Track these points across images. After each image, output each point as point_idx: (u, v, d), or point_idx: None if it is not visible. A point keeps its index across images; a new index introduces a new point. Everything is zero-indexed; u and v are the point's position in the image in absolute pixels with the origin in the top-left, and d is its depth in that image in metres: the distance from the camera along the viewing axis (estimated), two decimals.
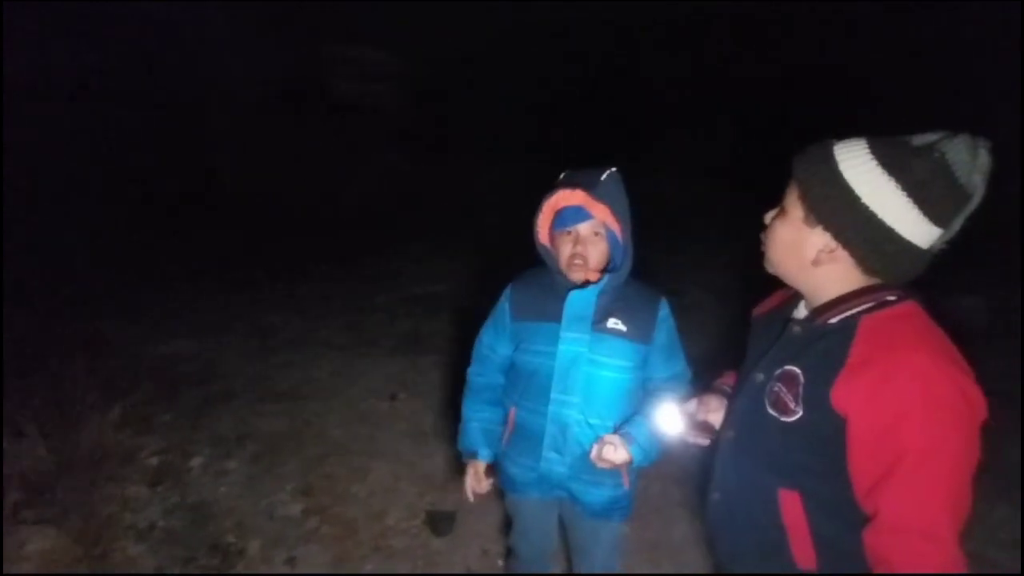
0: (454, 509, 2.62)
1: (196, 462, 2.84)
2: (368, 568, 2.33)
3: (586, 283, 1.50)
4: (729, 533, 1.22)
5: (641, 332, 1.51)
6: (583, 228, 1.47)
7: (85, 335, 3.90)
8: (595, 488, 1.57)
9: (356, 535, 2.48)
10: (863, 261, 1.01)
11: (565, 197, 1.48)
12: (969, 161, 0.93)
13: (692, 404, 1.32)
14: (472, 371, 1.70)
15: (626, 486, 1.60)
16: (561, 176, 1.52)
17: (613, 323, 1.49)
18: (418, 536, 2.50)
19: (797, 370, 1.04)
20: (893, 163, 0.94)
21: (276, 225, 7.02)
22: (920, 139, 0.97)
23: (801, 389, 1.02)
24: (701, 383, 1.51)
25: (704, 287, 5.09)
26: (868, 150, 0.97)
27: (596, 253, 1.48)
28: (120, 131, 7.46)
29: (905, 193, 0.94)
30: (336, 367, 3.89)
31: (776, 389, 1.07)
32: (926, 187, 0.94)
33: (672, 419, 1.27)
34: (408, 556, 2.40)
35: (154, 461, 2.83)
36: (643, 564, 2.37)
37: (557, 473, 1.55)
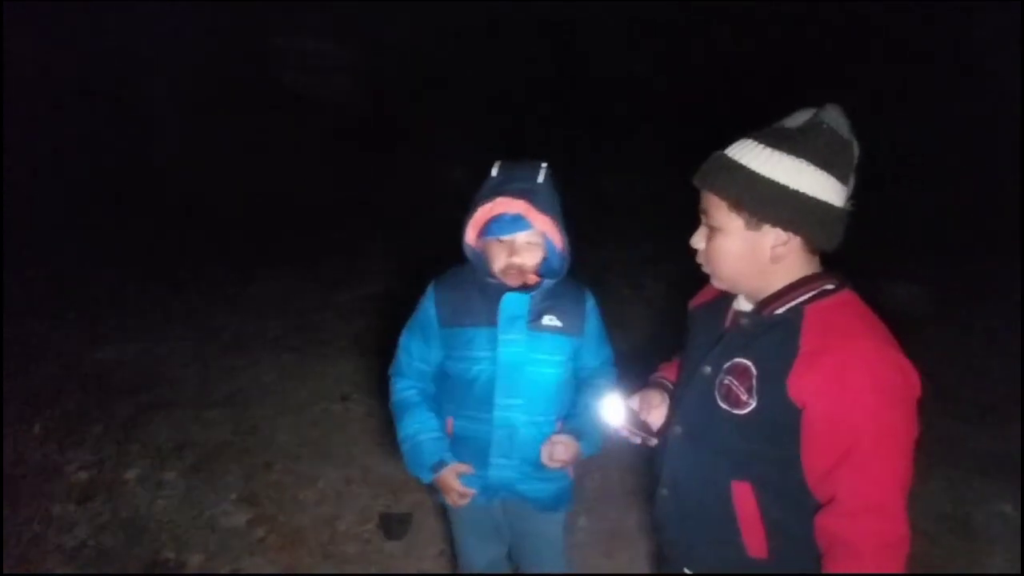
0: (409, 511, 2.56)
1: (130, 475, 2.68)
2: None
3: (523, 286, 1.47)
4: (679, 527, 1.22)
5: (574, 325, 1.51)
6: (520, 238, 1.41)
7: (5, 340, 3.64)
8: (544, 483, 1.56)
9: (305, 543, 2.39)
10: (812, 240, 1.05)
11: (504, 205, 1.39)
12: (844, 122, 1.02)
13: (635, 400, 1.31)
14: (401, 387, 1.58)
15: (571, 477, 1.63)
16: (494, 173, 1.44)
17: (548, 320, 1.48)
18: (371, 541, 2.43)
19: (748, 362, 1.06)
20: (793, 146, 1.00)
21: (221, 223, 6.74)
22: (793, 120, 1.05)
23: (755, 381, 1.04)
24: (646, 374, 1.49)
25: (661, 279, 5.16)
26: (763, 144, 1.02)
27: (532, 261, 1.44)
28: (54, 124, 7.03)
29: (816, 166, 1.00)
30: (285, 369, 3.74)
31: (727, 382, 1.08)
32: (828, 155, 1.01)
33: (616, 410, 1.24)
34: (361, 562, 2.32)
35: (83, 476, 2.65)
36: (598, 554, 2.37)
37: (506, 478, 1.52)
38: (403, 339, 1.59)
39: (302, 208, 7.29)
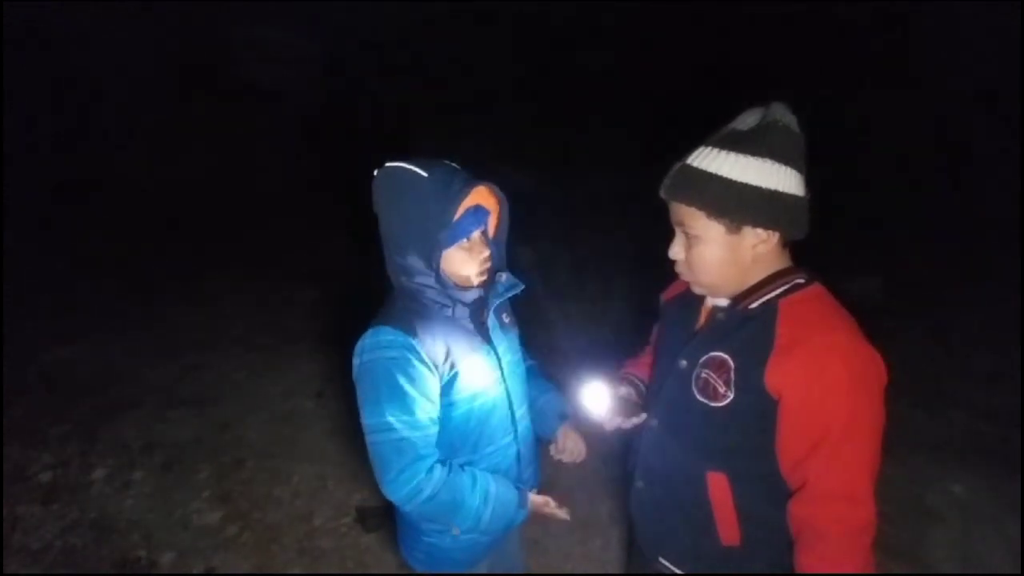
0: (386, 504, 2.55)
1: (97, 475, 2.62)
2: (293, 572, 2.23)
3: (483, 290, 1.32)
4: (654, 519, 1.25)
5: (512, 314, 1.45)
6: (479, 232, 1.25)
7: None
8: (537, 465, 1.50)
9: (280, 539, 2.37)
10: (788, 233, 1.08)
11: (475, 197, 1.21)
12: (792, 117, 1.05)
13: (614, 388, 1.32)
14: (427, 474, 1.21)
15: None
16: (424, 174, 1.17)
17: (507, 318, 1.41)
18: (347, 535, 2.42)
19: (725, 355, 1.08)
20: (755, 147, 1.03)
21: (180, 217, 6.56)
22: (743, 122, 1.06)
23: (732, 374, 1.06)
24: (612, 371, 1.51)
25: (634, 273, 5.22)
26: (727, 150, 1.03)
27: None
28: (5, 117, 6.72)
29: (780, 163, 1.03)
30: (253, 367, 3.69)
31: (704, 375, 1.10)
32: (787, 150, 1.04)
33: (600, 398, 1.25)
34: (336, 556, 2.32)
35: (47, 476, 2.58)
36: (573, 542, 2.42)
37: (533, 481, 1.46)
38: (395, 419, 1.20)
39: (263, 202, 7.15)
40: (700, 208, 1.05)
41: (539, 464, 1.48)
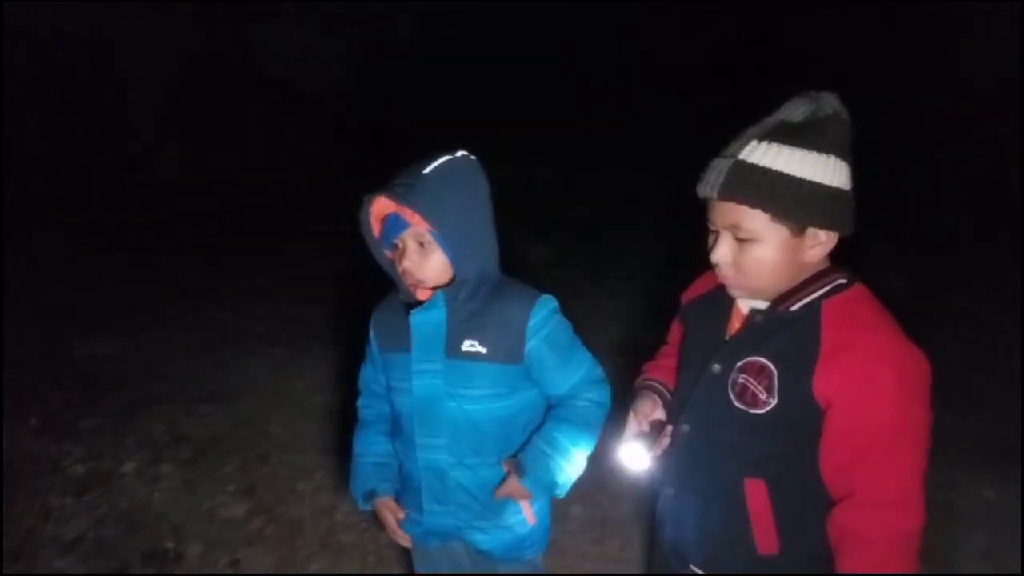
0: None
1: (127, 468, 2.69)
2: (315, 567, 2.27)
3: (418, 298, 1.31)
4: (686, 526, 1.21)
5: (506, 350, 1.25)
6: (406, 239, 1.24)
7: None
8: (495, 532, 1.35)
9: (303, 533, 2.41)
10: (843, 231, 1.02)
11: (380, 206, 1.26)
12: (844, 108, 0.99)
13: (633, 427, 1.24)
14: (361, 403, 1.50)
15: (531, 523, 1.38)
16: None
17: (469, 346, 1.24)
18: (368, 531, 2.45)
19: (766, 361, 1.03)
20: (818, 141, 0.96)
21: (203, 215, 6.68)
22: (792, 112, 0.98)
23: (776, 380, 1.01)
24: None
25: (655, 271, 5.18)
26: (788, 144, 0.96)
27: (428, 265, 1.24)
28: (29, 115, 6.91)
29: (839, 158, 0.98)
30: (277, 363, 3.74)
31: (742, 381, 1.05)
32: (845, 144, 0.99)
33: (638, 458, 1.19)
34: (357, 552, 2.35)
35: (80, 469, 2.66)
36: (590, 541, 2.41)
37: (444, 524, 1.35)
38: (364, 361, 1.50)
39: (286, 200, 7.24)
40: (766, 209, 0.96)
41: (472, 522, 1.35)
